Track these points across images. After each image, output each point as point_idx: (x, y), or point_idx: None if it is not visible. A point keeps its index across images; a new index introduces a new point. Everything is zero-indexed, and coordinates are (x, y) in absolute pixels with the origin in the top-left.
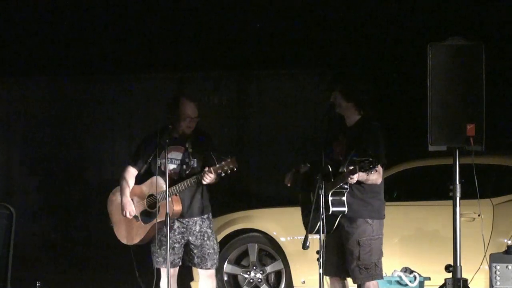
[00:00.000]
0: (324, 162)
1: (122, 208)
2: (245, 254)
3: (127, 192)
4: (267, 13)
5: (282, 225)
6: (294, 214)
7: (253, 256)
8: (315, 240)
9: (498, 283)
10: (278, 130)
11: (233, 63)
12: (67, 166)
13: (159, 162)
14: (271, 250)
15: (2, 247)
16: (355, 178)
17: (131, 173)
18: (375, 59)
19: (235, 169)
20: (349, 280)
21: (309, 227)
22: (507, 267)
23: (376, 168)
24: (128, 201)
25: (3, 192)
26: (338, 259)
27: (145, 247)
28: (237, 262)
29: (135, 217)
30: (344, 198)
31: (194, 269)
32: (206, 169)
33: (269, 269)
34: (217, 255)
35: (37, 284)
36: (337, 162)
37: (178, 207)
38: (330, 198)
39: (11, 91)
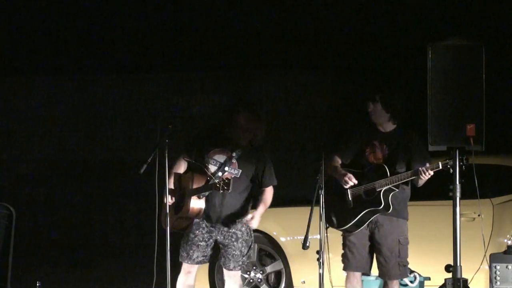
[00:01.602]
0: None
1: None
2: None
3: (170, 181)
4: (267, 12)
5: (282, 225)
6: (294, 214)
7: (253, 256)
8: (315, 240)
9: (498, 283)
10: (277, 130)
11: (233, 63)
12: (67, 165)
13: (205, 160)
14: (271, 250)
15: (2, 247)
16: (431, 174)
17: (179, 163)
18: (375, 59)
19: (226, 188)
20: None
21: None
22: (507, 267)
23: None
24: (167, 190)
25: (4, 192)
26: (368, 255)
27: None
28: None
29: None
30: (389, 198)
31: None
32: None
33: (269, 269)
34: (244, 259)
35: (37, 284)
36: (361, 166)
37: (197, 207)
38: (382, 195)
39: (13, 91)
